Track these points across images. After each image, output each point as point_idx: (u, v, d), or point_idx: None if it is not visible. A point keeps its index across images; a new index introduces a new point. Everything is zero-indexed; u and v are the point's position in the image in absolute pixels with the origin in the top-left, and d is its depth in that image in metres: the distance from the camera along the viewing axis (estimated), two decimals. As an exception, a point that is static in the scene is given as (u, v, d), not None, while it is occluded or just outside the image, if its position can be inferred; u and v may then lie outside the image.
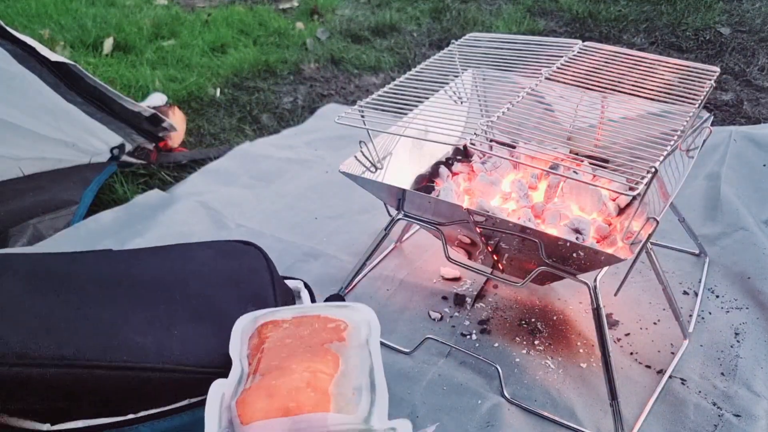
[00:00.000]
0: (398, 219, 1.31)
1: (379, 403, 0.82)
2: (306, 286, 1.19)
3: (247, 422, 0.79)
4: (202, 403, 0.86)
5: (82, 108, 1.87)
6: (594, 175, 1.33)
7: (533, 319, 1.38)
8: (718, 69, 1.30)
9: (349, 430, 0.78)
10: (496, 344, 1.32)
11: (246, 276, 1.13)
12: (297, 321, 0.95)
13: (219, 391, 0.84)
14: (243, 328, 0.95)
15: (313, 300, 1.18)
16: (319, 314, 0.98)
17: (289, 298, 1.16)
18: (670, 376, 1.24)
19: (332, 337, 0.92)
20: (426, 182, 1.42)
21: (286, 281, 1.20)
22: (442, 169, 1.42)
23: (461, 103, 1.45)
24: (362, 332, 0.94)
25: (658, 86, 1.25)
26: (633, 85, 1.25)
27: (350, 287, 1.47)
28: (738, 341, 1.31)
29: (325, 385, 0.83)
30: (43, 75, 1.77)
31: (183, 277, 1.11)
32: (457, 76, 1.44)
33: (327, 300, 1.08)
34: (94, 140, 1.94)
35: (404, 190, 1.23)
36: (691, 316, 1.38)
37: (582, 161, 1.30)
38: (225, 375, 0.89)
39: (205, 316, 1.02)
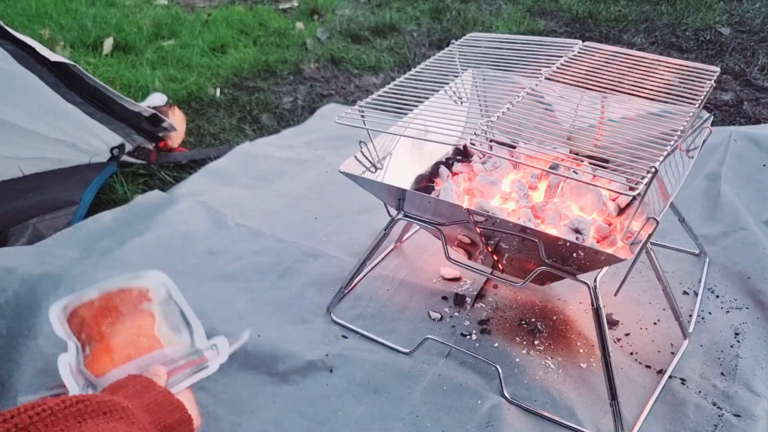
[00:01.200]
0: (398, 219, 1.31)
1: (196, 331, 1.05)
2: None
3: (101, 375, 0.97)
4: None
5: (82, 108, 1.87)
6: (594, 175, 1.33)
7: (533, 319, 1.38)
8: (718, 69, 1.30)
9: (182, 355, 1.02)
10: (496, 344, 1.32)
11: None
12: (106, 297, 1.09)
13: (65, 362, 0.99)
14: (57, 315, 1.07)
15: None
16: (120, 287, 1.11)
17: None
18: (670, 376, 1.24)
19: (141, 299, 1.09)
20: (426, 182, 1.42)
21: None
22: (442, 169, 1.42)
23: (461, 103, 1.45)
24: (162, 291, 1.12)
25: (658, 86, 1.25)
26: (633, 85, 1.25)
27: (350, 287, 1.47)
28: (738, 341, 1.31)
29: (151, 331, 1.03)
30: (43, 75, 1.77)
31: None
32: (457, 76, 1.44)
33: None
34: (94, 140, 1.93)
35: (404, 190, 1.23)
36: (691, 316, 1.38)
37: (582, 161, 1.30)
38: None
39: None
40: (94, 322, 1.04)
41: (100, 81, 1.86)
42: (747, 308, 1.39)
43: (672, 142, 1.09)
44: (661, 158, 1.03)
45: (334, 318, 1.40)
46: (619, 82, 1.26)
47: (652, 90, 1.24)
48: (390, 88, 1.30)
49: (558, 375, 1.25)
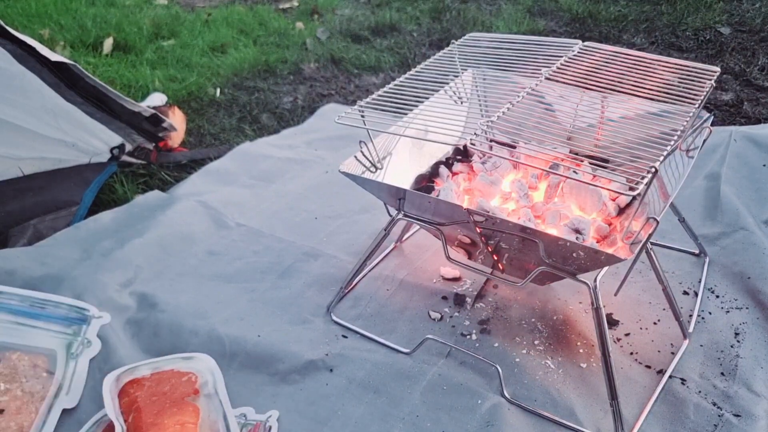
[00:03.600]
0: (398, 219, 1.31)
1: None
2: None
3: None
4: None
5: (82, 108, 1.87)
6: (594, 175, 1.33)
7: (533, 319, 1.38)
8: (718, 69, 1.30)
9: None
10: (496, 344, 1.32)
11: None
12: (156, 378, 1.20)
13: None
14: (110, 388, 1.16)
15: None
16: (172, 368, 1.23)
17: None
18: (670, 376, 1.24)
19: (188, 390, 1.18)
20: (426, 182, 1.42)
21: None
22: (442, 169, 1.42)
23: (461, 103, 1.45)
24: (209, 382, 1.20)
25: (658, 86, 1.25)
26: (633, 85, 1.25)
27: (350, 287, 1.47)
28: (738, 341, 1.31)
29: (194, 430, 1.10)
30: (43, 75, 1.77)
31: None
32: (457, 76, 1.44)
33: None
34: (94, 140, 1.93)
35: (404, 190, 1.23)
36: (691, 316, 1.38)
37: (582, 161, 1.30)
38: None
39: None
40: (144, 406, 1.13)
41: (100, 81, 1.86)
42: (747, 308, 1.39)
43: (672, 142, 1.09)
44: (661, 158, 1.03)
45: (334, 318, 1.40)
46: (619, 82, 1.26)
47: (652, 90, 1.24)
48: (390, 88, 1.30)
49: (558, 375, 1.25)
